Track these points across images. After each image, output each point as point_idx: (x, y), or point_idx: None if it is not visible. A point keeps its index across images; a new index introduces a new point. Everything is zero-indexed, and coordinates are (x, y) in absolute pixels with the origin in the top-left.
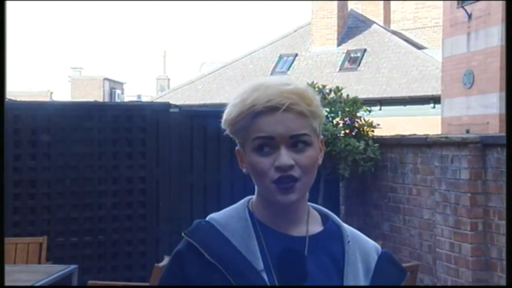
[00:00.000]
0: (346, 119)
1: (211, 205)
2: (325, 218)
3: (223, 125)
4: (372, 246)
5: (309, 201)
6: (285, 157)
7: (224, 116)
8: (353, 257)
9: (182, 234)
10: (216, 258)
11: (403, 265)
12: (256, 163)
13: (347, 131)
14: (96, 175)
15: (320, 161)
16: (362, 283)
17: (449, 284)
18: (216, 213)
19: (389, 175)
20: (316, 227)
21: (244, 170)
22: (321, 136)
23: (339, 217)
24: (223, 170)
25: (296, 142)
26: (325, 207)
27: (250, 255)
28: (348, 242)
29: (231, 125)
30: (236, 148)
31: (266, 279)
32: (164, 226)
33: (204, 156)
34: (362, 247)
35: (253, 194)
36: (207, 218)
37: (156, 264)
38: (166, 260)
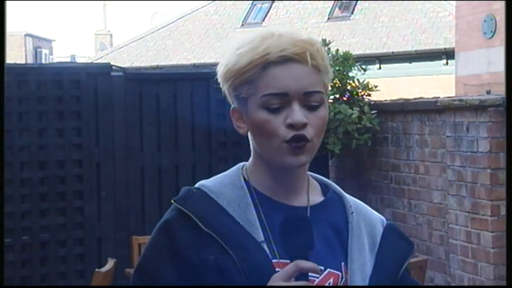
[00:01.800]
0: (336, 80)
1: (168, 194)
2: (325, 188)
3: (222, 77)
4: (377, 218)
5: None
6: (299, 113)
7: (225, 67)
8: (357, 229)
9: (172, 201)
10: (213, 228)
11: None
12: (265, 121)
13: (337, 95)
14: (17, 159)
15: None
16: (367, 257)
17: (465, 283)
18: (206, 180)
19: (391, 150)
20: (316, 197)
21: (241, 131)
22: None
23: None
24: (182, 150)
25: (309, 100)
26: None
27: (248, 226)
28: (352, 213)
29: (235, 76)
30: (232, 107)
31: (267, 250)
32: (107, 221)
33: (158, 132)
34: (367, 218)
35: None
36: (196, 185)
37: (97, 270)
38: (110, 264)
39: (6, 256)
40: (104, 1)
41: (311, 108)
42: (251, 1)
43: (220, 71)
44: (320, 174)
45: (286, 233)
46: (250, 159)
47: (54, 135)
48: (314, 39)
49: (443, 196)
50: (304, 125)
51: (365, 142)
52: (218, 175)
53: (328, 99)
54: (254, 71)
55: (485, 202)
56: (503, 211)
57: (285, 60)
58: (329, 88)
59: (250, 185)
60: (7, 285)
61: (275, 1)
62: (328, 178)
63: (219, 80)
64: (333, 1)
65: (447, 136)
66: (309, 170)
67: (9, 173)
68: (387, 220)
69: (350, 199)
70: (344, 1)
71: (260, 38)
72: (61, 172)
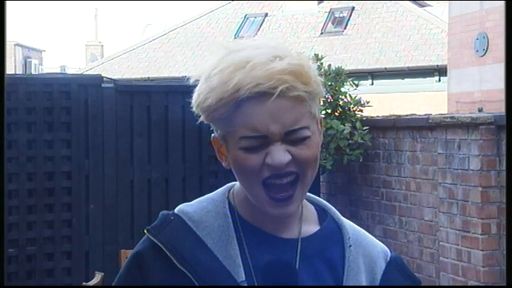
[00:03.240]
0: (328, 96)
1: (157, 207)
2: (322, 214)
3: (195, 109)
4: (380, 251)
5: None
6: (280, 153)
7: (196, 99)
8: (354, 266)
9: (145, 231)
10: (187, 265)
11: None
12: (243, 160)
13: (329, 111)
14: (5, 170)
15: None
16: None
17: None
18: (188, 204)
19: (382, 166)
20: (311, 226)
21: (224, 164)
22: (320, 115)
23: None
24: (172, 162)
25: (293, 137)
26: None
27: (229, 262)
28: (350, 246)
29: (208, 112)
30: (212, 135)
31: None
32: (96, 234)
33: (148, 144)
34: (367, 252)
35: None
36: (176, 210)
37: (84, 283)
38: (97, 278)
39: None
40: (95, 12)
41: (297, 142)
42: (243, 15)
43: (193, 100)
44: (311, 190)
45: (267, 279)
46: (238, 183)
47: (43, 146)
48: (294, 65)
49: (434, 213)
50: (288, 164)
51: (357, 158)
52: (203, 198)
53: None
54: (227, 108)
55: (476, 220)
56: (494, 230)
57: (260, 95)
58: (321, 103)
59: (235, 213)
60: (7, 285)
61: (268, 16)
62: (319, 194)
63: (194, 109)
64: (325, 16)
65: (439, 153)
66: None
67: None
68: (391, 252)
69: (350, 228)
70: (337, 16)
71: (232, 68)
72: (49, 184)
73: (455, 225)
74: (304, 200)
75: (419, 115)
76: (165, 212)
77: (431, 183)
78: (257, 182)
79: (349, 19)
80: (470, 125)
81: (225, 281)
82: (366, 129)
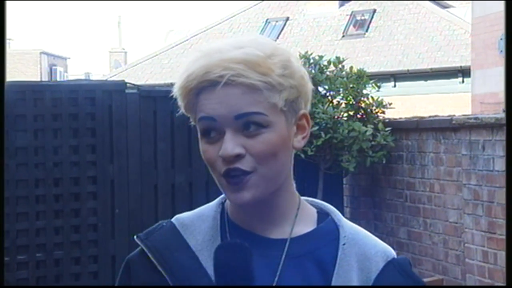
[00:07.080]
0: (350, 98)
1: (181, 210)
2: (323, 217)
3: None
4: (380, 250)
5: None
6: (229, 144)
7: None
8: (345, 264)
9: (135, 237)
10: (166, 266)
11: (424, 280)
12: (203, 151)
13: (351, 113)
14: (32, 176)
15: (299, 144)
16: None
17: None
18: (187, 212)
19: (405, 168)
20: (306, 226)
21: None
22: (302, 110)
23: None
24: (196, 166)
25: (247, 124)
26: None
27: (209, 263)
28: (343, 244)
29: (181, 104)
30: None
31: None
32: (121, 238)
33: (172, 149)
34: (363, 251)
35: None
36: (173, 217)
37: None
38: None
39: (19, 273)
40: (119, 19)
41: (251, 133)
42: (265, 19)
43: None
44: (334, 193)
45: (220, 266)
46: None
47: (69, 151)
48: (251, 54)
49: (459, 215)
50: (237, 157)
51: (380, 159)
52: (204, 205)
53: (342, 116)
54: (189, 98)
55: (502, 222)
56: None
57: (212, 84)
58: (343, 106)
59: (225, 215)
60: (6, 286)
61: (289, 20)
62: (342, 196)
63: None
64: (347, 19)
65: (463, 155)
66: (323, 190)
67: (24, 190)
68: (396, 255)
69: (349, 228)
70: (358, 18)
71: (194, 58)
72: (75, 189)
73: (480, 226)
74: (303, 202)
75: (442, 116)
76: (161, 221)
77: (456, 185)
78: (217, 174)
79: (370, 22)
80: (494, 126)
81: (200, 280)
82: (388, 131)
